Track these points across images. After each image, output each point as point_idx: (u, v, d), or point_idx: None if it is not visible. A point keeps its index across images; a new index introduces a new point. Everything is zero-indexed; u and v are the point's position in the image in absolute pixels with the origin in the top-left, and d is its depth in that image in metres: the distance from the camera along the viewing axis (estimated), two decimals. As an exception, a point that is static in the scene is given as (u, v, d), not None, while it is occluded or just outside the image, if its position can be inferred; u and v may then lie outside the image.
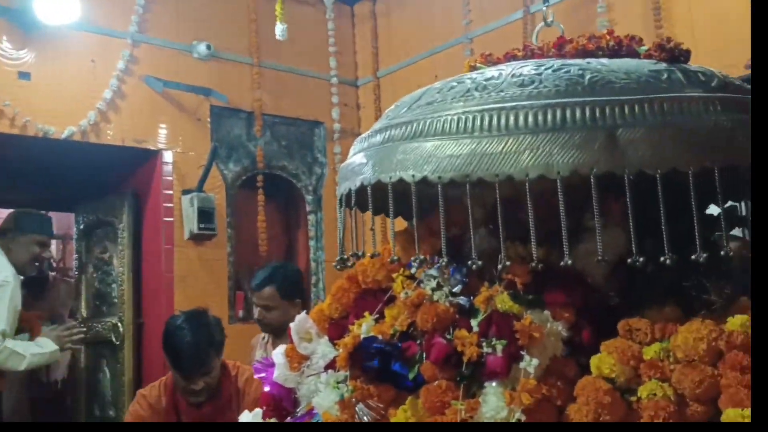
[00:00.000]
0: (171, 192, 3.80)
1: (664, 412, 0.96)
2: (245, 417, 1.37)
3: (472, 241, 1.15)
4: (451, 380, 1.09)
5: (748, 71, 3.55)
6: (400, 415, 1.13)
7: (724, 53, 3.49)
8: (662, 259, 0.97)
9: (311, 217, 4.57)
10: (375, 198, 1.16)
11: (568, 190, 1.04)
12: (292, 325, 1.33)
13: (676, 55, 1.15)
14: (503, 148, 1.01)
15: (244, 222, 4.19)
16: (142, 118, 3.71)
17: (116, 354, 3.76)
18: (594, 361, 1.04)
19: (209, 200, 3.86)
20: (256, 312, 3.03)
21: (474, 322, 1.10)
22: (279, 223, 4.61)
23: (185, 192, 3.81)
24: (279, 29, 2.96)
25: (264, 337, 3.26)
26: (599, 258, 1.00)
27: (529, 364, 1.02)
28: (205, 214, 3.84)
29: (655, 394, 0.98)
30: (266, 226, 4.24)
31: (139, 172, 3.87)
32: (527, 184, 1.00)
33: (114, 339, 3.75)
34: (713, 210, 1.16)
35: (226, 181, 4.04)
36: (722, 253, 1.00)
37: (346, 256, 1.19)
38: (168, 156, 3.78)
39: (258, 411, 1.35)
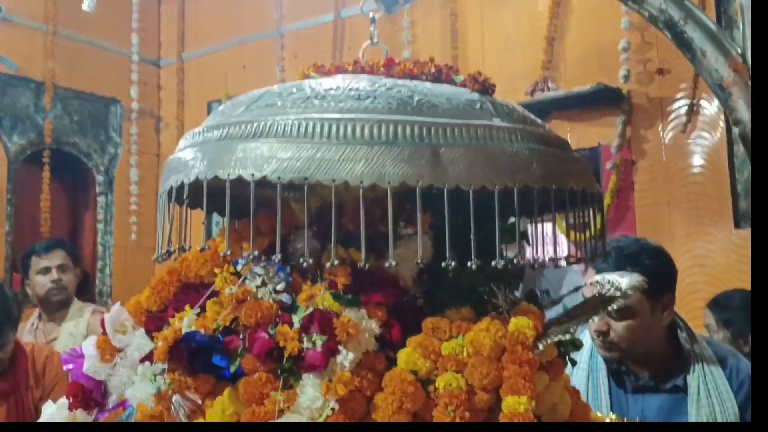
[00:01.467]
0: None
1: (457, 399, 1.10)
2: (49, 408, 1.32)
3: (301, 242, 1.22)
4: (271, 373, 1.15)
5: (529, 97, 3.97)
6: (217, 405, 1.17)
7: (510, 79, 3.87)
8: (469, 264, 1.10)
9: (101, 199, 4.35)
10: (200, 194, 1.19)
11: (381, 200, 1.15)
12: (106, 316, 1.30)
13: (486, 88, 1.30)
14: (341, 156, 1.09)
15: (25, 200, 3.89)
16: None
17: None
18: (401, 355, 1.16)
19: (-14, 175, 3.55)
20: (47, 278, 2.92)
21: (296, 319, 1.17)
22: (65, 203, 4.34)
23: (-41, 163, 3.47)
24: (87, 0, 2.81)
25: (33, 323, 3.10)
26: (417, 262, 1.11)
27: (345, 358, 1.11)
28: (-20, 191, 3.53)
29: (450, 385, 1.11)
30: (50, 205, 3.98)
31: None
32: (360, 191, 1.09)
33: None
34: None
35: (8, 155, 3.74)
36: (502, 263, 1.15)
37: (173, 249, 1.20)
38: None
39: (63, 401, 1.31)
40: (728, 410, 1.77)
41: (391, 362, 1.17)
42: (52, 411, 1.31)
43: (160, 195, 1.30)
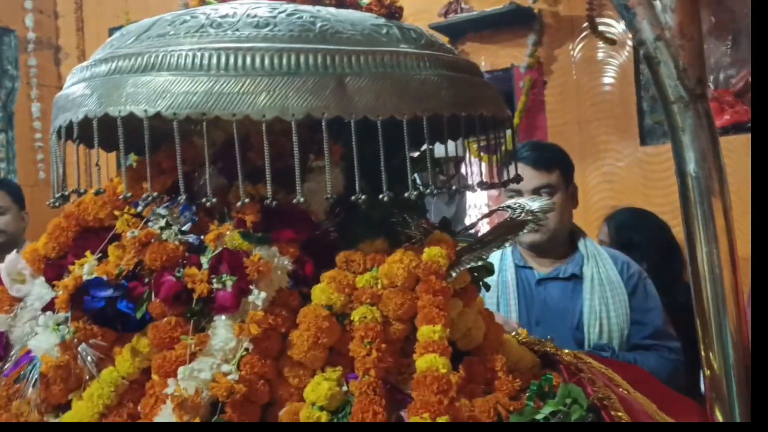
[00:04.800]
0: None
1: (372, 332, 1.09)
2: (-56, 365, 1.25)
3: (205, 179, 1.17)
4: (180, 317, 1.12)
5: (443, 18, 3.91)
6: (126, 352, 1.13)
7: (423, 1, 3.80)
8: (381, 196, 1.08)
9: (1, 137, 4.11)
10: (92, 132, 1.11)
11: (289, 132, 1.10)
12: (1, 265, 1.23)
13: (392, 12, 1.25)
14: (240, 88, 1.03)
15: None
16: None
17: None
18: (315, 291, 1.14)
19: None
20: None
21: (204, 260, 1.13)
22: (-41, 142, 4.06)
23: None
24: None
25: None
26: (328, 196, 1.08)
27: (258, 297, 1.08)
28: None
29: (365, 317, 1.11)
30: (-58, 145, 3.73)
31: None
32: (264, 125, 1.04)
33: None
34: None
35: None
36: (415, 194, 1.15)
37: (67, 193, 1.13)
38: None
39: (-40, 357, 1.24)
40: (619, 296, 2.08)
41: (306, 298, 1.15)
42: (-49, 367, 1.24)
43: (50, 135, 1.22)
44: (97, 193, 1.18)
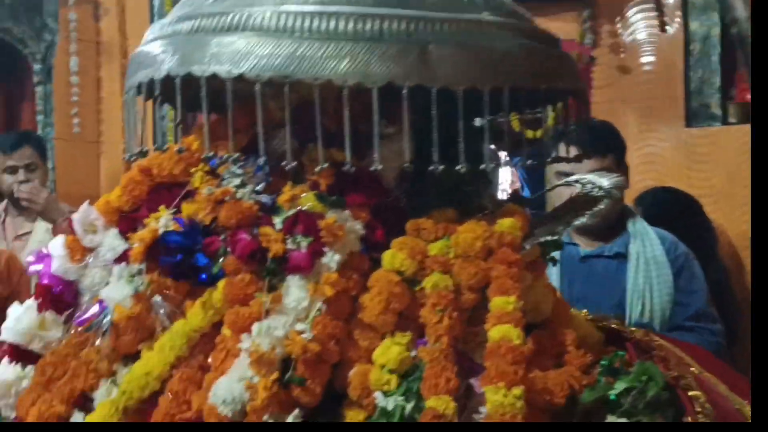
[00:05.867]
0: None
1: (445, 299, 1.10)
2: (15, 309, 1.28)
3: (278, 141, 1.18)
4: (254, 274, 1.13)
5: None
6: (198, 306, 1.15)
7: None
8: (458, 167, 1.08)
9: (39, 89, 4.12)
10: (166, 90, 1.13)
11: (361, 97, 1.10)
12: (74, 216, 1.25)
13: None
14: (323, 53, 1.03)
15: (-43, 89, 3.66)
16: None
17: None
18: (386, 256, 1.15)
19: None
20: (17, 176, 2.81)
21: (277, 220, 1.14)
22: (0, 92, 4.10)
23: None
24: None
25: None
26: (406, 164, 1.08)
27: (332, 259, 1.10)
28: None
29: (438, 285, 1.12)
30: (-15, 95, 3.76)
31: None
32: (346, 90, 1.04)
33: None
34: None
35: (-64, 40, 3.47)
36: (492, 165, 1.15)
37: (146, 149, 1.14)
38: None
39: (31, 302, 1.27)
40: (664, 276, 2.07)
41: (375, 263, 1.16)
42: (19, 312, 1.27)
43: (126, 91, 1.23)
44: (179, 152, 1.19)
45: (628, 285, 2.08)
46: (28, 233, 2.93)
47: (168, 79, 1.12)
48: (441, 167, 1.07)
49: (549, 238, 1.15)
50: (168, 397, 1.13)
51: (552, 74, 1.16)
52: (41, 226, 2.91)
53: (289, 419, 1.04)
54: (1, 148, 2.87)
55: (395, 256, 1.14)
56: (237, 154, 1.13)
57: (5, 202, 3.01)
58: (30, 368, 1.28)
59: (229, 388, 1.06)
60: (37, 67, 4.11)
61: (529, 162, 1.28)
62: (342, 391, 1.11)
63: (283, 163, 1.08)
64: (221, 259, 1.14)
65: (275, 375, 1.04)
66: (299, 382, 1.05)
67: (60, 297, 1.25)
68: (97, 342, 1.17)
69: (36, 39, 4.11)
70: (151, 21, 4.04)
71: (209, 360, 1.14)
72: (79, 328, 1.22)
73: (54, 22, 4.18)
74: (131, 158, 1.17)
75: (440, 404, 1.01)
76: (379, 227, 1.17)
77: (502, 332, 1.04)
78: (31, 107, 4.12)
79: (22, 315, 1.26)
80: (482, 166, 1.11)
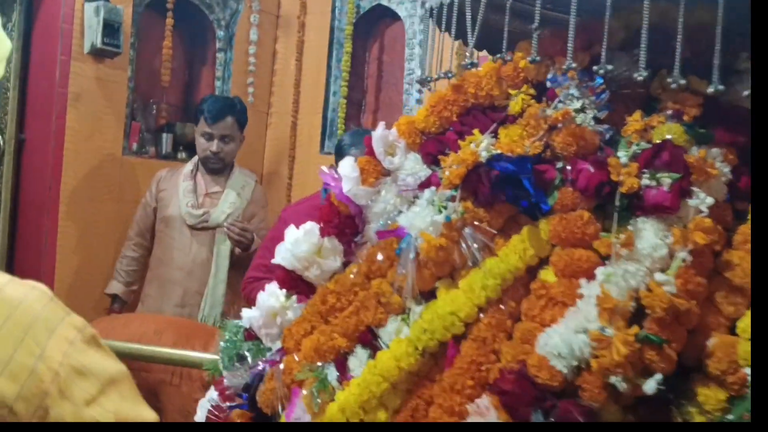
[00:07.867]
0: (73, -6, 3.26)
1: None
2: (292, 232, 1.16)
3: (622, 64, 1.01)
4: (591, 212, 0.96)
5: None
6: (515, 242, 0.99)
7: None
8: None
9: (220, 56, 4.17)
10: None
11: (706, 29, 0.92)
12: (374, 134, 1.12)
13: None
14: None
15: (146, 46, 3.73)
16: None
17: (-6, 168, 3.28)
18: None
19: (117, 12, 3.36)
20: (210, 145, 2.84)
21: (622, 154, 0.96)
22: (183, 55, 4.16)
23: (89, -2, 3.30)
24: None
25: (191, 169, 3.00)
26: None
27: (703, 201, 0.91)
28: (111, 28, 3.35)
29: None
30: (172, 55, 3.81)
31: (38, -36, 3.28)
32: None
33: (-7, 151, 3.25)
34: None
35: (132, -3, 3.55)
36: None
37: (430, 77, 1.01)
38: (71, -49, 3.22)
39: (311, 226, 1.15)
40: None
41: (738, 216, 0.96)
42: (299, 235, 1.15)
43: (423, 13, 1.10)
44: (504, 61, 1.04)
45: None
46: (219, 192, 2.95)
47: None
48: None
49: None
50: (473, 344, 0.98)
51: None
52: (233, 189, 2.96)
53: (649, 385, 0.86)
54: (205, 115, 2.87)
55: None
56: (574, 65, 0.96)
57: (196, 158, 3.02)
58: (294, 298, 1.17)
59: (566, 340, 0.89)
60: (220, 33, 4.17)
61: None
62: (689, 363, 0.92)
63: (636, 74, 0.91)
64: (554, 192, 0.97)
65: (635, 329, 0.86)
66: (660, 342, 0.86)
67: (346, 222, 1.12)
68: (399, 272, 1.02)
69: (222, 6, 4.16)
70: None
71: (523, 307, 0.98)
72: (371, 256, 1.08)
73: (240, -10, 4.21)
74: (431, 79, 1.03)
75: None
76: (746, 173, 0.97)
77: None
78: (210, 72, 4.17)
79: (301, 239, 1.14)
80: None
